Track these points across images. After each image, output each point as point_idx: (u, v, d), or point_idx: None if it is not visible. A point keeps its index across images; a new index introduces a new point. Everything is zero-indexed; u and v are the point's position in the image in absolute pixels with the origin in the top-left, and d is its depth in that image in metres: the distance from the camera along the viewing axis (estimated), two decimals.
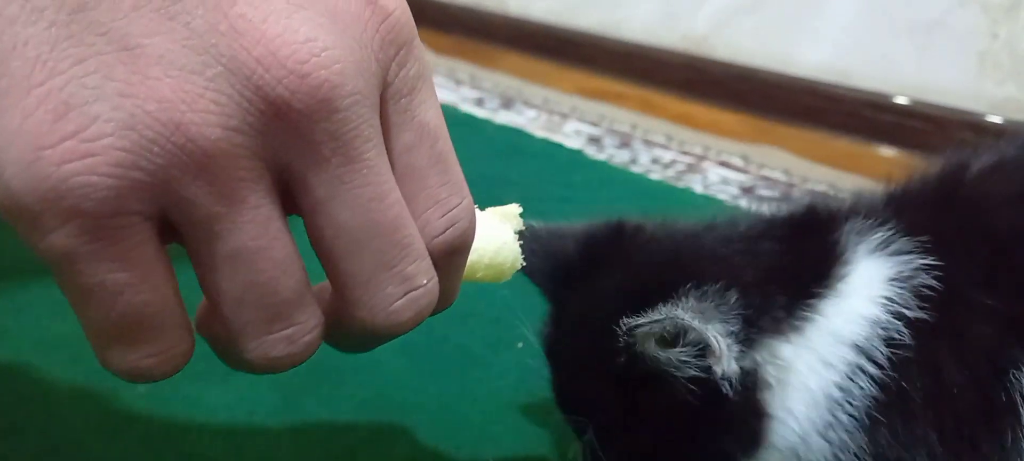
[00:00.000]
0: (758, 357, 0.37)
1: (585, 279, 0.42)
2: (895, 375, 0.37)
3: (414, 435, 0.51)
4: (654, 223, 0.44)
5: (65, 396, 0.53)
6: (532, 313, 0.62)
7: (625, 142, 1.06)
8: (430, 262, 0.27)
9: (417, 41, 0.27)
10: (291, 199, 0.25)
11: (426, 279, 0.27)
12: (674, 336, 0.36)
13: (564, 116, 1.15)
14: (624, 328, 0.36)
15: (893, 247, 0.39)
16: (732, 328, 0.36)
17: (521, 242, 0.34)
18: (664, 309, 0.36)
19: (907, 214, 0.40)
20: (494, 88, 1.25)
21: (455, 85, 1.26)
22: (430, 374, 0.56)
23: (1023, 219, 0.38)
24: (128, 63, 0.22)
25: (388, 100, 0.26)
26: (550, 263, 0.43)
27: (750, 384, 0.37)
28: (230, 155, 0.23)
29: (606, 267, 0.42)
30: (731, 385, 0.37)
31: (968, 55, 1.01)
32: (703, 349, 0.36)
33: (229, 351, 0.26)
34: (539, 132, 1.08)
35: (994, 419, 0.36)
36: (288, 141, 0.24)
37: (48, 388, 0.53)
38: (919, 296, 0.37)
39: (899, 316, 0.37)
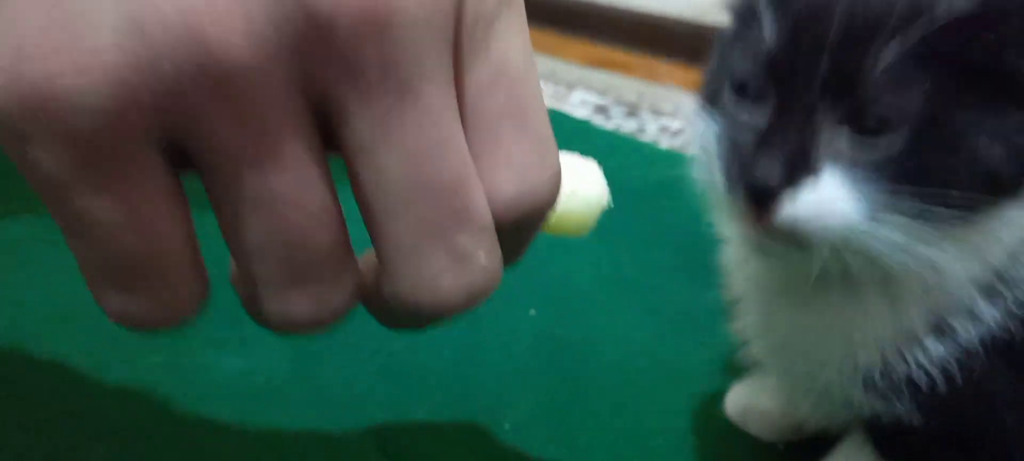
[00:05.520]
0: None
1: None
2: None
3: (431, 402, 0.51)
4: None
5: (82, 363, 0.53)
6: (541, 282, 0.63)
7: (632, 111, 1.06)
8: (493, 235, 0.22)
9: None
10: (334, 138, 0.21)
11: (485, 256, 0.22)
12: None
13: (570, 86, 1.14)
14: None
15: None
16: None
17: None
18: None
19: None
20: None
21: None
22: (446, 342, 0.57)
23: None
24: None
25: (462, 28, 0.21)
26: None
27: None
28: (259, 78, 0.19)
29: None
30: None
31: None
32: None
33: (250, 306, 0.22)
34: (546, 102, 1.08)
35: None
36: (329, 65, 0.19)
37: (65, 355, 0.53)
38: None
39: None
